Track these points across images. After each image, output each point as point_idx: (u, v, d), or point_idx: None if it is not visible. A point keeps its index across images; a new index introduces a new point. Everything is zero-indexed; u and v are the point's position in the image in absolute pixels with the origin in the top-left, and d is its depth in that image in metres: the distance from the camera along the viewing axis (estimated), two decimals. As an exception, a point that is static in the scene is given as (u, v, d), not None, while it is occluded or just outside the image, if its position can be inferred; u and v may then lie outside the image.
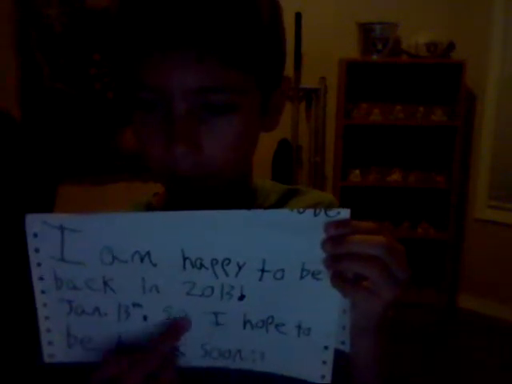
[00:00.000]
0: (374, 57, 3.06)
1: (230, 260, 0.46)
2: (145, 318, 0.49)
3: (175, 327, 0.49)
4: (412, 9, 3.13)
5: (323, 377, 0.50)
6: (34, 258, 0.48)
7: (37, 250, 0.48)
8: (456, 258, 3.31)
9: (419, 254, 3.27)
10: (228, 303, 0.48)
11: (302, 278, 0.46)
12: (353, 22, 3.08)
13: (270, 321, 0.49)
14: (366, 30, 3.05)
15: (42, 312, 0.50)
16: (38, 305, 0.49)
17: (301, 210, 0.45)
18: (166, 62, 0.48)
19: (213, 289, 0.47)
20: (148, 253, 0.46)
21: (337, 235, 0.45)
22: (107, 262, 0.47)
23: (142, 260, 0.46)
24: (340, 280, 0.46)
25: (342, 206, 0.47)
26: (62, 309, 0.49)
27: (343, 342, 0.49)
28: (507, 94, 3.05)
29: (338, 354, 0.51)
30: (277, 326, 0.49)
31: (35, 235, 0.47)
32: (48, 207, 1.25)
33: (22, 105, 3.04)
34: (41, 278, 0.48)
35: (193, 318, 0.49)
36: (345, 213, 0.45)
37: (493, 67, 3.07)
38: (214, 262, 0.46)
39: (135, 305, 0.49)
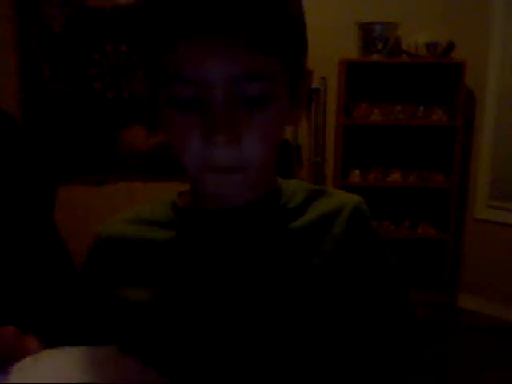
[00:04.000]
0: (374, 57, 3.06)
1: None
2: None
3: None
4: (412, 9, 3.13)
5: None
6: None
7: None
8: (456, 258, 3.31)
9: (419, 254, 3.27)
10: None
11: None
12: (353, 22, 3.08)
13: None
14: (365, 30, 3.05)
15: None
16: None
17: None
18: (204, 53, 0.48)
19: None
20: None
21: None
22: None
23: None
24: None
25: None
26: None
27: None
28: (507, 94, 3.05)
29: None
30: None
31: None
32: (48, 207, 1.25)
33: (22, 105, 3.04)
34: None
35: None
36: None
37: (493, 67, 3.07)
38: None
39: None
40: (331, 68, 3.16)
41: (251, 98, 0.51)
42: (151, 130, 3.16)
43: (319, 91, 3.17)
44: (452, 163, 3.12)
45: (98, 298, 0.65)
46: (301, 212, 0.63)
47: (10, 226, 1.13)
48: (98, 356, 0.48)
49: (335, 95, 3.17)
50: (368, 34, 3.04)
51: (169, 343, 0.58)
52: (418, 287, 3.19)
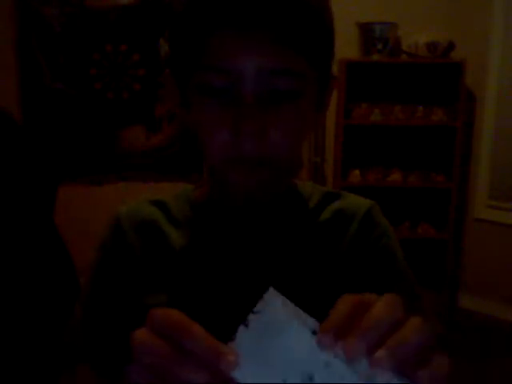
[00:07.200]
0: (374, 57, 3.06)
1: None
2: None
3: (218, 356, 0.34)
4: (412, 9, 3.13)
5: None
6: None
7: None
8: (456, 257, 3.31)
9: (419, 254, 3.26)
10: None
11: None
12: (353, 22, 3.08)
13: None
14: (366, 30, 3.05)
15: None
16: None
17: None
18: (238, 44, 0.50)
19: None
20: None
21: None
22: None
23: None
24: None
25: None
26: None
27: None
28: (507, 94, 3.05)
29: None
30: None
31: None
32: (48, 207, 1.25)
33: (22, 105, 3.04)
34: None
35: None
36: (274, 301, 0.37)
37: (493, 67, 3.07)
38: None
39: None
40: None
41: (280, 92, 0.52)
42: (151, 130, 3.16)
43: (319, 91, 3.17)
44: (452, 163, 3.12)
45: (113, 282, 0.65)
46: (319, 211, 0.65)
47: (9, 226, 1.13)
48: None
49: (335, 95, 3.17)
50: (368, 34, 3.04)
51: None
52: (418, 287, 3.19)
